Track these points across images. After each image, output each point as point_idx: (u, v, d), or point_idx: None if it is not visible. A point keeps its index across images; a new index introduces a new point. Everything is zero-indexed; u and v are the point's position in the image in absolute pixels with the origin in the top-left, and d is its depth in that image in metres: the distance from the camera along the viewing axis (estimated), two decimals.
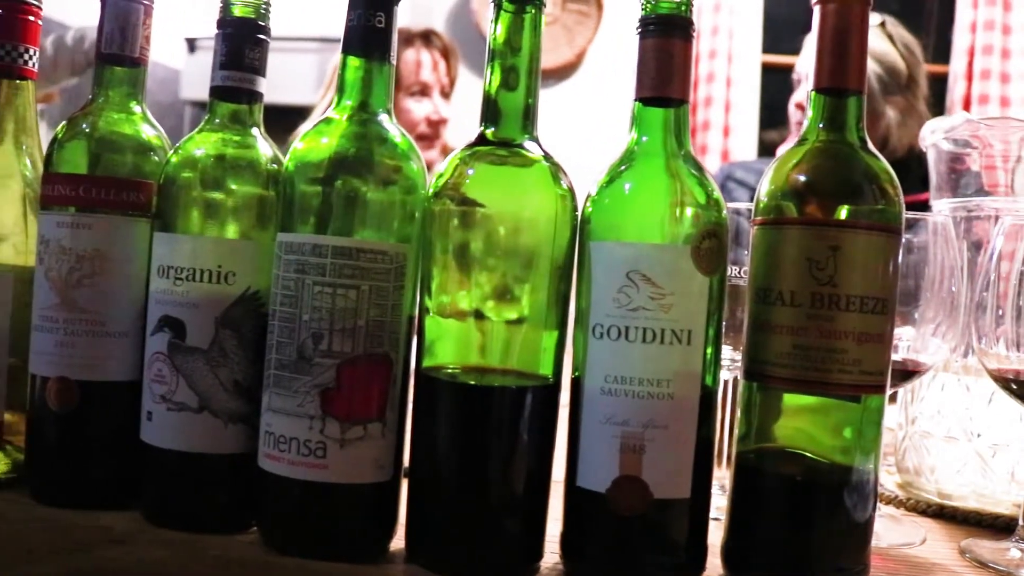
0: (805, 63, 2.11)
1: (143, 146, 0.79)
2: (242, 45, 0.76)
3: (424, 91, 2.16)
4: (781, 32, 3.53)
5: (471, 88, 2.39)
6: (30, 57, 0.84)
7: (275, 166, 0.76)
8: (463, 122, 2.27)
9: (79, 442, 0.78)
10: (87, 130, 0.79)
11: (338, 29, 0.74)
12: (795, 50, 2.38)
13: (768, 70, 3.51)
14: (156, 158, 0.79)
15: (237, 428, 0.74)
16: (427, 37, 2.20)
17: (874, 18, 1.89)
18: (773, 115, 3.17)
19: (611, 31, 3.42)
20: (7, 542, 0.69)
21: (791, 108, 2.29)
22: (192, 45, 4.10)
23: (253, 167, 0.75)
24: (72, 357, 0.76)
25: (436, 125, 2.19)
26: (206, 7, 4.32)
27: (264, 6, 0.78)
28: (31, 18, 0.84)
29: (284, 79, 3.44)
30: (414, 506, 0.73)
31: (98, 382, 0.77)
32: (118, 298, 0.77)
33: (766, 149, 3.35)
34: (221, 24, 0.77)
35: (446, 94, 2.24)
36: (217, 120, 0.77)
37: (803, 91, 2.08)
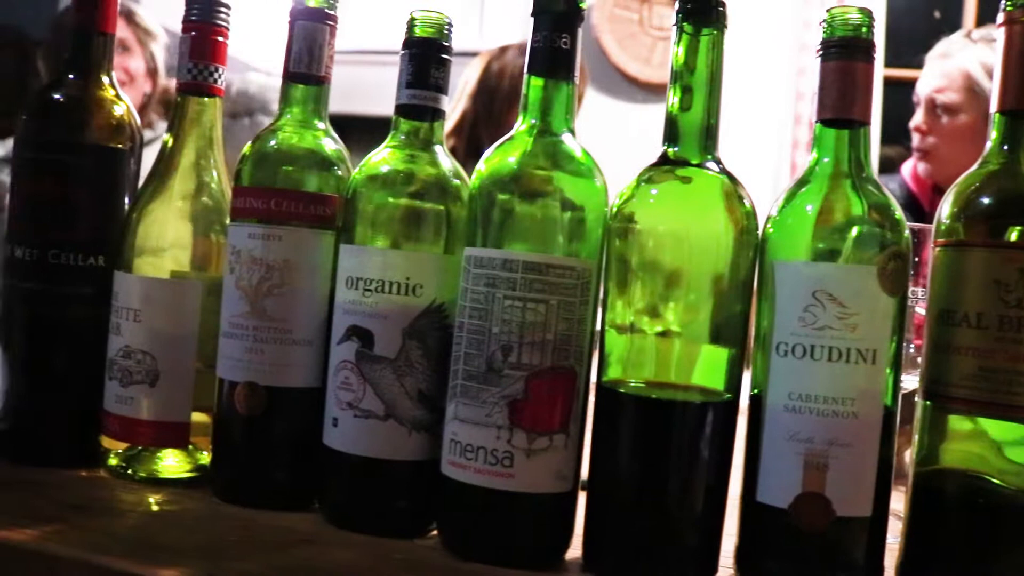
0: (925, 84, 2.09)
1: (327, 161, 0.83)
2: (427, 64, 0.81)
3: None
4: (903, 46, 3.49)
5: (594, 105, 2.42)
6: (219, 76, 0.89)
7: (458, 182, 0.80)
8: (586, 139, 2.31)
9: (264, 445, 0.82)
10: (275, 145, 0.84)
11: (461, 45, 0.78)
12: (918, 64, 2.36)
13: (890, 84, 3.47)
14: (340, 172, 0.83)
15: (420, 436, 0.77)
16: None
17: None
18: (894, 130, 3.14)
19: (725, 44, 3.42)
20: (204, 537, 0.74)
21: (912, 130, 2.27)
22: None
23: (439, 183, 0.80)
24: (261, 363, 0.80)
25: None
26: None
27: (447, 26, 0.82)
28: (220, 39, 0.89)
29: (378, 92, 3.52)
30: (592, 517, 0.76)
31: (284, 388, 0.81)
32: (305, 307, 0.81)
33: (886, 166, 3.32)
34: (406, 44, 0.81)
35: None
36: (402, 137, 0.81)
37: (921, 114, 2.06)
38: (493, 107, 2.18)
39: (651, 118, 3.40)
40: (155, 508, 0.80)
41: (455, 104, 2.29)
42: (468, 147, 2.20)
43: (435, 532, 0.79)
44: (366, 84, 2.62)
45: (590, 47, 3.38)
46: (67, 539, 0.70)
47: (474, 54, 3.55)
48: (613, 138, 2.20)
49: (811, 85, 3.32)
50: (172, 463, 0.88)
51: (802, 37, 3.50)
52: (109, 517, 0.77)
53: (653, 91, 3.16)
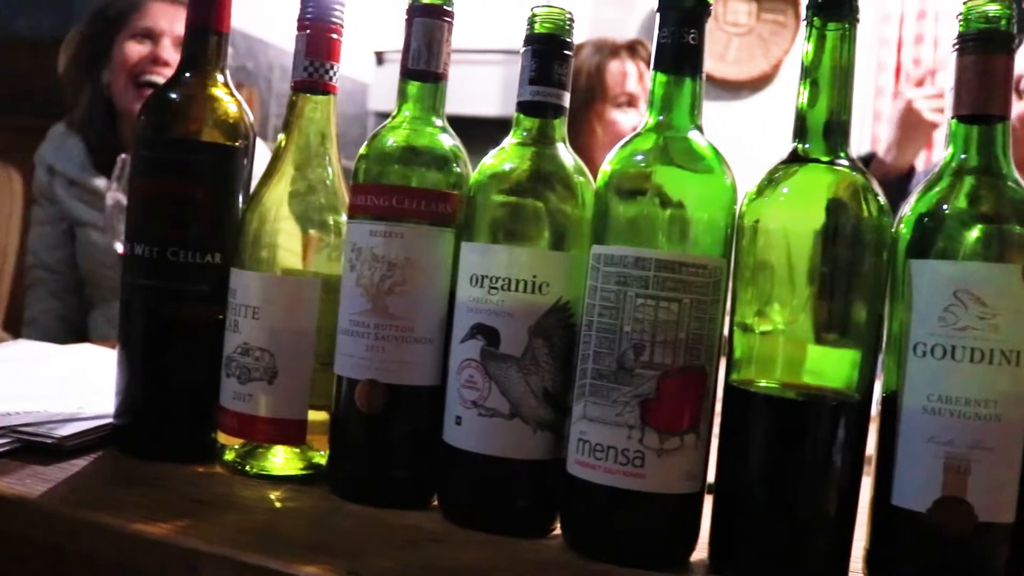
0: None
1: (447, 157, 0.84)
2: (551, 61, 0.81)
3: (631, 102, 2.20)
4: None
5: None
6: (334, 73, 0.90)
7: (581, 178, 0.80)
8: None
9: (384, 442, 0.83)
10: (395, 143, 0.84)
11: (519, 44, 0.78)
12: None
13: None
14: (459, 169, 0.84)
15: (544, 435, 0.78)
16: (633, 48, 2.24)
17: None
18: None
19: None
20: (334, 535, 0.75)
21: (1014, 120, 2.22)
22: (380, 58, 4.26)
23: (563, 180, 0.80)
24: (382, 361, 0.81)
25: None
26: (394, 21, 4.47)
27: (568, 22, 0.82)
28: (335, 36, 0.90)
29: (468, 91, 3.55)
30: (720, 519, 0.76)
31: (404, 386, 0.82)
32: (426, 305, 0.82)
33: None
34: (528, 40, 0.82)
35: None
36: (524, 133, 0.82)
37: None
38: (571, 105, 2.17)
39: (727, 116, 3.40)
40: (278, 504, 0.81)
41: None
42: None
43: (556, 531, 0.79)
44: (456, 84, 2.64)
45: None
46: (203, 533, 0.71)
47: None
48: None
49: (891, 56, 3.30)
50: (287, 460, 0.89)
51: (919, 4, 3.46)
52: (236, 513, 0.78)
53: (728, 88, 3.13)
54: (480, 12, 3.54)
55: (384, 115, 4.15)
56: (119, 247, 1.50)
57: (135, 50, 2.03)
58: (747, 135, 2.52)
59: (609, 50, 2.20)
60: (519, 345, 0.77)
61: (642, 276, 0.72)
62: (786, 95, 3.31)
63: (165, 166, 0.90)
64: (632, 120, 2.24)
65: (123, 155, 1.57)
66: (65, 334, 2.08)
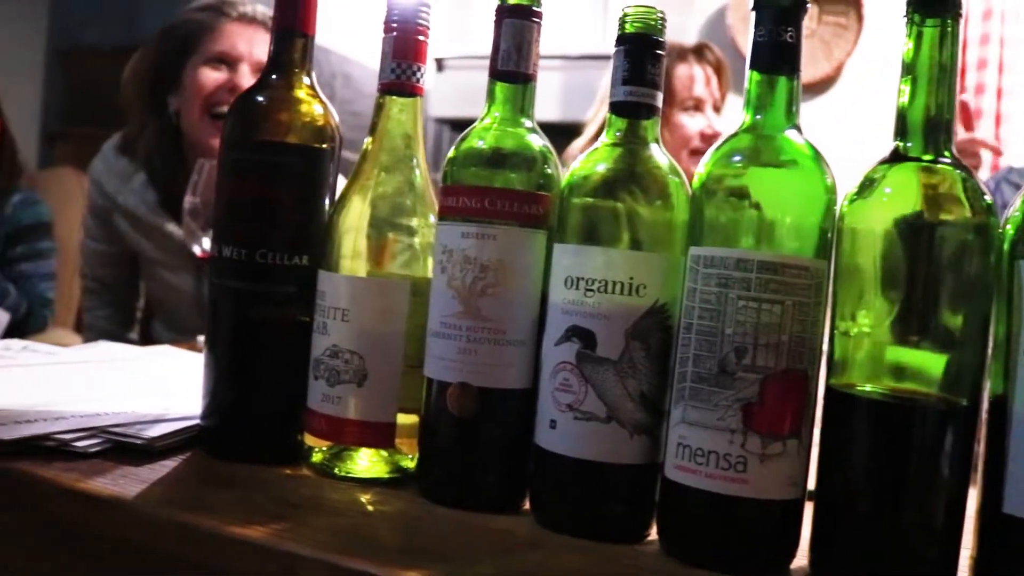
0: None
1: (538, 159, 0.82)
2: (643, 61, 0.79)
3: (698, 106, 2.17)
4: None
5: (730, 105, 2.38)
6: (421, 75, 0.89)
7: (676, 179, 0.78)
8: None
9: (475, 446, 0.82)
10: (485, 144, 0.83)
11: (581, 47, 0.76)
12: None
13: None
14: (549, 170, 0.82)
15: (641, 439, 0.76)
16: (700, 52, 2.21)
17: None
18: None
19: (871, 43, 3.34)
20: (429, 539, 0.73)
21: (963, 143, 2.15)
22: (440, 64, 4.27)
23: (658, 181, 0.78)
24: (474, 364, 0.80)
25: (709, 140, 2.20)
26: (454, 28, 4.49)
27: (660, 21, 0.80)
28: (421, 38, 0.89)
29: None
30: (821, 525, 0.73)
31: (497, 389, 0.80)
32: (518, 307, 0.80)
33: None
34: (620, 41, 0.80)
35: (718, 108, 2.25)
36: (617, 134, 0.80)
37: None
38: None
39: None
40: (369, 508, 0.80)
41: (598, 107, 2.27)
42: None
43: (651, 537, 0.77)
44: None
45: (727, 48, 3.33)
46: (299, 537, 0.70)
47: (601, 57, 3.53)
48: None
49: (995, 53, 3.24)
50: (375, 463, 0.87)
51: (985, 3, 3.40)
52: (329, 516, 0.77)
53: None
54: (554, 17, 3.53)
55: (444, 121, 4.17)
56: (197, 250, 1.50)
57: (210, 77, 1.87)
58: (809, 138, 2.47)
59: (676, 53, 2.18)
60: (616, 348, 0.75)
61: (744, 278, 0.70)
62: (849, 97, 3.27)
63: (253, 168, 0.89)
64: (699, 124, 2.21)
65: (201, 159, 1.57)
66: (121, 339, 2.06)
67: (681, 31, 3.32)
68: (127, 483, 0.79)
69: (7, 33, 4.22)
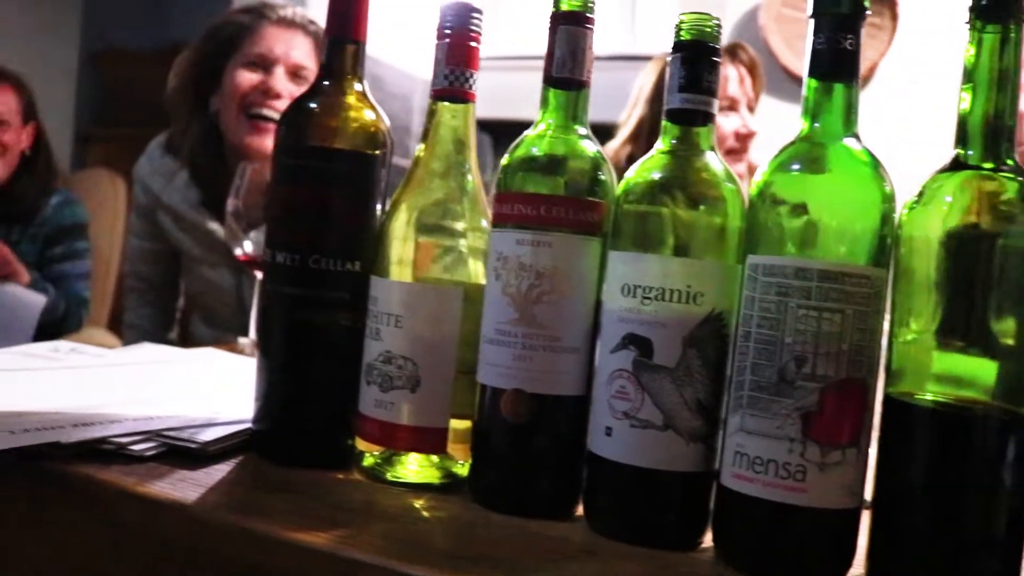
0: None
1: (592, 166, 0.82)
2: (700, 68, 0.79)
3: (732, 106, 2.17)
4: None
5: (761, 106, 2.37)
6: (474, 81, 0.89)
7: (731, 186, 0.78)
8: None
9: (529, 452, 0.82)
10: (540, 151, 0.83)
11: (609, 48, 0.76)
12: None
13: None
14: (603, 177, 0.82)
15: (697, 447, 0.76)
16: (733, 51, 2.20)
17: None
18: None
19: (906, 43, 3.31)
20: (487, 546, 0.73)
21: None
22: None
23: (712, 189, 0.78)
24: (529, 371, 0.80)
25: (744, 139, 2.20)
26: (489, 32, 4.49)
27: (716, 28, 0.80)
28: (474, 44, 0.89)
29: (537, 96, 3.52)
30: (879, 536, 0.73)
31: (551, 396, 0.80)
32: (573, 314, 0.80)
33: None
34: (677, 48, 0.80)
35: (752, 108, 2.24)
36: (673, 141, 0.80)
37: None
38: None
39: None
40: (425, 514, 0.80)
41: (631, 110, 2.27)
42: (646, 152, 2.17)
43: (704, 544, 0.77)
44: (514, 89, 2.63)
45: (759, 48, 3.31)
46: (360, 543, 0.70)
47: (628, 57, 3.52)
48: (781, 139, 2.13)
49: None
50: (427, 468, 0.88)
51: None
52: (386, 522, 0.77)
53: None
54: (534, 19, 3.53)
55: (480, 123, 4.16)
56: (238, 252, 1.51)
57: (246, 78, 1.89)
58: None
59: None
60: (673, 356, 0.75)
61: (804, 287, 0.70)
62: (883, 98, 3.24)
63: (306, 174, 0.89)
64: (733, 124, 2.20)
65: (244, 162, 1.57)
66: (160, 339, 2.08)
67: None
68: (185, 487, 0.80)
69: (41, 36, 4.26)
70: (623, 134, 2.23)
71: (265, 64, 1.90)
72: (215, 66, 1.96)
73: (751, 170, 2.18)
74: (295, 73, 1.93)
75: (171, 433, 0.90)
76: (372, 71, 3.83)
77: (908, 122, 3.08)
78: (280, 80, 1.89)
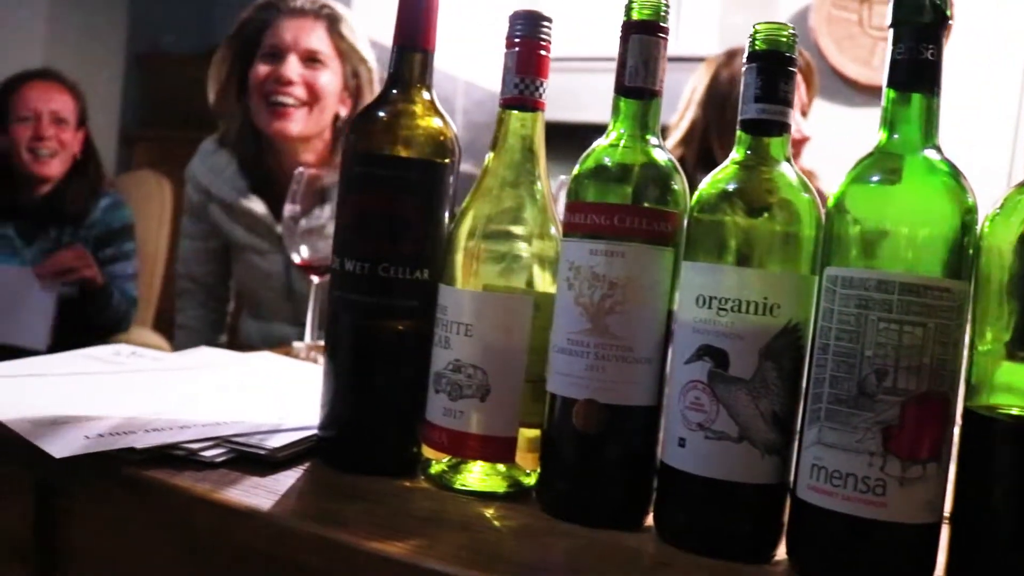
0: None
1: (665, 175, 0.82)
2: (776, 78, 0.79)
3: None
4: None
5: (812, 108, 2.36)
6: (544, 90, 0.89)
7: (808, 196, 0.78)
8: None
9: (600, 462, 0.82)
10: (613, 161, 0.83)
11: None
12: None
13: None
14: (676, 187, 0.82)
15: (771, 459, 0.75)
16: None
17: None
18: None
19: (956, 44, 3.27)
20: (563, 556, 0.74)
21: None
22: None
23: (789, 199, 0.78)
24: (601, 381, 0.80)
25: (798, 144, 2.18)
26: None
27: (792, 37, 0.79)
28: (544, 53, 0.89)
29: (585, 99, 3.53)
30: (959, 551, 0.72)
31: (622, 406, 0.80)
32: (646, 325, 0.80)
33: None
34: (752, 57, 0.79)
35: (805, 112, 2.23)
36: (748, 152, 0.80)
37: None
38: (725, 115, 2.14)
39: (871, 122, 3.27)
40: (496, 523, 0.80)
41: (682, 113, 2.26)
42: (698, 157, 2.17)
43: (777, 557, 0.77)
44: (566, 91, 2.63)
45: (810, 51, 3.28)
46: (437, 553, 0.70)
47: (673, 59, 3.49)
48: (832, 144, 2.12)
49: None
50: (493, 477, 0.88)
51: None
52: (459, 531, 0.77)
53: (873, 94, 3.04)
54: (598, 20, 3.52)
55: None
56: (296, 258, 1.52)
57: (262, 70, 1.99)
58: None
59: None
60: (749, 368, 0.75)
61: (885, 300, 0.69)
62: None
63: (375, 183, 0.90)
64: None
65: (300, 168, 1.59)
66: (213, 341, 2.12)
67: None
68: (258, 494, 0.80)
69: (88, 39, 4.30)
70: (675, 137, 2.23)
71: (278, 53, 1.99)
72: (243, 63, 2.06)
73: (806, 176, 2.16)
74: (310, 59, 2.02)
75: (240, 439, 0.91)
76: None
77: (961, 124, 3.04)
78: (291, 67, 1.98)
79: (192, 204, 2.15)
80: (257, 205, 2.03)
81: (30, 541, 0.95)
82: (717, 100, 2.16)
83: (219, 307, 2.28)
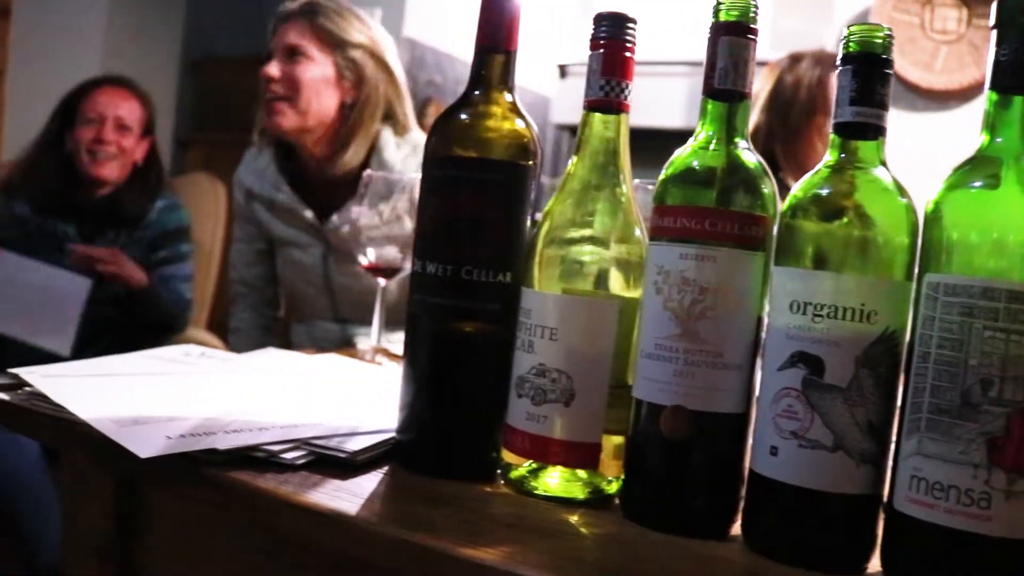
0: None
1: (755, 179, 0.81)
2: (873, 80, 0.77)
3: None
4: None
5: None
6: (629, 92, 0.88)
7: (905, 201, 0.76)
8: None
9: (687, 470, 0.81)
10: (700, 164, 0.82)
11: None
12: None
13: None
14: (766, 190, 0.81)
15: (866, 469, 0.74)
16: None
17: None
18: None
19: None
20: (656, 566, 0.72)
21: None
22: (563, 71, 4.27)
23: (885, 204, 0.76)
24: (690, 387, 0.79)
25: None
26: (577, 35, 4.49)
27: (887, 38, 0.78)
28: (629, 55, 0.88)
29: (653, 103, 3.53)
30: None
31: (711, 413, 0.79)
32: (736, 330, 0.79)
33: None
34: (846, 60, 0.78)
35: None
36: (842, 156, 0.78)
37: None
38: (789, 119, 2.13)
39: (933, 127, 3.26)
40: (583, 530, 0.79)
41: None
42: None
43: (870, 569, 0.75)
44: (641, 96, 2.61)
45: None
46: (529, 560, 0.70)
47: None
48: (893, 149, 2.08)
49: None
50: (575, 483, 0.87)
51: None
52: (547, 537, 0.76)
53: (936, 99, 2.99)
54: (665, 24, 3.50)
55: (566, 128, 4.17)
56: (363, 260, 1.52)
57: (263, 71, 2.09)
58: (956, 147, 2.40)
59: (831, 62, 2.14)
60: (845, 375, 0.73)
61: (991, 308, 0.67)
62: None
63: (459, 185, 0.89)
64: None
65: (368, 171, 1.59)
66: (264, 345, 2.14)
67: (819, 36, 3.24)
68: (343, 497, 0.80)
69: (145, 44, 4.35)
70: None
71: (270, 55, 2.10)
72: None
73: None
74: (291, 53, 2.08)
75: (319, 442, 0.91)
76: (464, 75, 3.85)
77: None
78: (272, 65, 2.07)
79: (239, 207, 2.27)
80: (293, 199, 2.12)
81: (110, 541, 0.96)
82: (780, 105, 2.14)
83: (269, 311, 2.36)
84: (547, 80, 4.29)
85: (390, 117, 2.13)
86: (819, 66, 2.14)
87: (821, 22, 3.33)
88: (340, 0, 2.12)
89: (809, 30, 3.21)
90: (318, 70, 2.05)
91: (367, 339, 1.93)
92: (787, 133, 2.12)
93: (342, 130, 2.10)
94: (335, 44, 2.07)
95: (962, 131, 3.00)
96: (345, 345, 2.09)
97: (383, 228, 1.49)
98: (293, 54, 2.05)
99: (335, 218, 2.07)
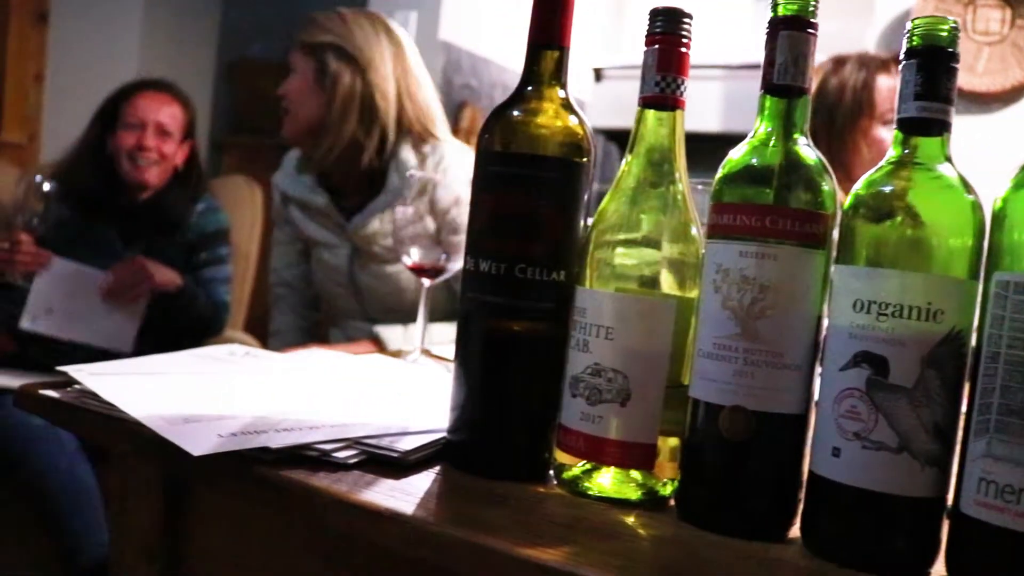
0: None
1: (815, 176, 0.80)
2: (938, 74, 0.76)
3: None
4: None
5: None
6: (684, 88, 0.87)
7: (971, 197, 0.75)
8: None
9: (746, 471, 0.79)
10: (759, 161, 0.81)
11: (740, 56, 0.73)
12: None
13: None
14: (826, 187, 0.79)
15: (931, 471, 0.73)
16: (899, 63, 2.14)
17: None
18: None
19: None
20: (719, 568, 0.71)
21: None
22: (599, 75, 4.25)
23: (950, 201, 0.75)
24: (750, 387, 0.78)
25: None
26: (611, 38, 4.48)
27: (952, 31, 0.76)
28: (684, 50, 0.87)
29: (688, 106, 3.49)
30: None
31: (771, 413, 0.78)
32: (796, 330, 0.78)
33: None
34: (911, 53, 0.77)
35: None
36: (906, 152, 0.77)
37: None
38: (835, 122, 2.10)
39: (976, 130, 3.21)
40: (641, 531, 0.78)
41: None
42: None
43: (935, 572, 0.74)
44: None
45: None
46: (591, 561, 0.69)
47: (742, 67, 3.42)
48: None
49: None
50: (629, 484, 0.86)
51: None
52: (606, 539, 0.76)
53: (979, 101, 2.94)
54: (699, 27, 3.47)
55: (601, 131, 4.15)
56: (407, 260, 1.51)
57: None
58: (1000, 150, 2.36)
59: (876, 65, 2.12)
60: (910, 376, 0.72)
61: None
62: None
63: (513, 182, 0.89)
64: None
65: (411, 171, 1.58)
66: (303, 345, 2.16)
67: (859, 37, 3.20)
68: (397, 496, 0.79)
69: (181, 48, 4.38)
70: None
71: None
72: None
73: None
74: (289, 70, 2.18)
75: (371, 441, 0.90)
76: (501, 78, 3.85)
77: None
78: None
79: (276, 209, 2.33)
80: (321, 199, 2.17)
81: (159, 539, 0.96)
82: (825, 107, 2.12)
83: (309, 314, 2.39)
84: (582, 83, 4.28)
85: (401, 121, 2.10)
86: (864, 69, 2.11)
87: (862, 24, 3.29)
88: (341, 8, 2.17)
89: (850, 32, 3.17)
90: (298, 79, 2.13)
91: (391, 336, 1.99)
92: (832, 137, 2.10)
93: (320, 133, 2.12)
94: (309, 50, 2.13)
95: (1006, 133, 2.96)
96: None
97: (410, 228, 1.49)
98: (290, 70, 2.15)
99: (357, 219, 2.09)
